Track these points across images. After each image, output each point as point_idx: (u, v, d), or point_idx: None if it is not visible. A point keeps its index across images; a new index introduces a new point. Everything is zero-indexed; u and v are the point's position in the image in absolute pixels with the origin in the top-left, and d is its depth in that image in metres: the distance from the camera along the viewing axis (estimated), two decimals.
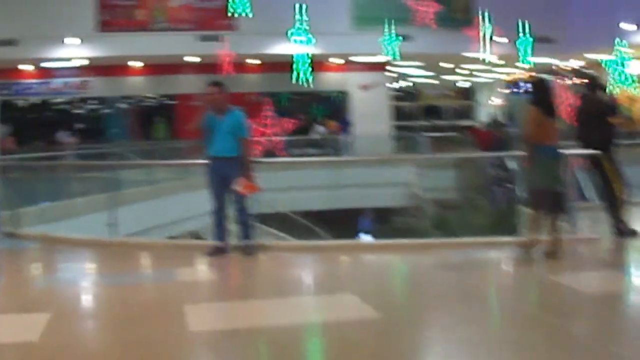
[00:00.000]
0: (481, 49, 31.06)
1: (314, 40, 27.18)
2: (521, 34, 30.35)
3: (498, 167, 25.27)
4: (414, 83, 45.22)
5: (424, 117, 47.52)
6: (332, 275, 9.55)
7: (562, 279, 8.30)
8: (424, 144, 31.14)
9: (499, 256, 10.31)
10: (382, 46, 29.38)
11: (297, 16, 26.95)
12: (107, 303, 7.99)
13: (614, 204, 10.71)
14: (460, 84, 47.73)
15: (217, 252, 10.34)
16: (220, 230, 10.47)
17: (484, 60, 33.76)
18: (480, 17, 29.50)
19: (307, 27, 26.85)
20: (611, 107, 11.25)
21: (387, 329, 6.43)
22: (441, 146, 32.82)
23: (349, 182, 29.56)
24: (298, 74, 27.09)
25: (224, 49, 28.71)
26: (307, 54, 27.08)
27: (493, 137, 28.60)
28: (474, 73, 41.38)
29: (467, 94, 49.69)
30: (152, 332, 6.49)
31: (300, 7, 26.56)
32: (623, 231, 10.56)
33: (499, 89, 45.23)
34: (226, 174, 10.14)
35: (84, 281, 9.39)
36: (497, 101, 44.90)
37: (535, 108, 9.38)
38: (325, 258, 10.63)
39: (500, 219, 20.20)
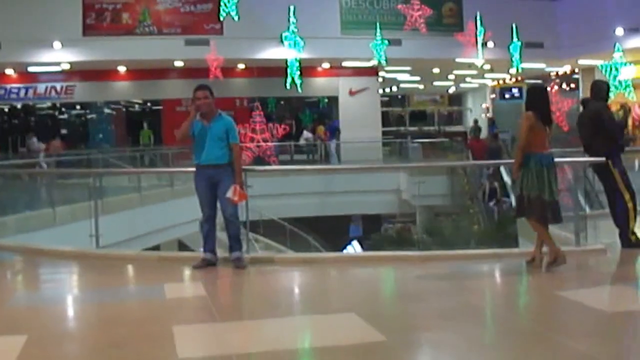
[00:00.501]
0: (473, 54, 30.51)
1: (302, 44, 26.44)
2: (514, 39, 29.53)
3: (492, 178, 24.87)
4: (402, 89, 44.82)
5: (411, 122, 47.24)
6: (329, 291, 9.00)
7: (570, 294, 7.72)
8: (415, 150, 30.64)
9: (501, 269, 9.79)
10: (372, 51, 28.75)
11: (292, 19, 26.18)
12: (90, 324, 7.37)
13: (622, 213, 10.21)
14: (451, 90, 47.35)
15: (206, 264, 9.83)
16: (209, 241, 9.97)
17: (472, 65, 33.40)
18: (474, 21, 28.72)
19: (296, 31, 26.15)
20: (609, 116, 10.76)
21: (396, 355, 5.86)
22: (431, 152, 32.43)
23: (339, 188, 29.19)
24: (292, 78, 26.45)
25: (212, 54, 28.02)
26: (296, 58, 26.40)
27: (487, 147, 28.17)
28: (463, 79, 41.02)
29: (455, 99, 49.34)
30: (137, 358, 5.89)
31: (294, 9, 25.85)
32: (633, 241, 10.06)
33: (488, 95, 44.85)
34: (216, 181, 9.65)
35: (64, 298, 8.75)
36: (484, 107, 44.50)
37: (531, 114, 9.06)
38: (321, 272, 10.05)
39: (497, 230, 19.78)
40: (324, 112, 37.01)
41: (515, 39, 29.91)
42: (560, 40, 32.55)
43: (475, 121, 37.37)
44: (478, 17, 28.97)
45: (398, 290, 9.13)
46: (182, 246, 26.22)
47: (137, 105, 35.40)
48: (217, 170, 9.65)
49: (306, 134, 32.48)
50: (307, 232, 28.24)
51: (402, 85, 43.56)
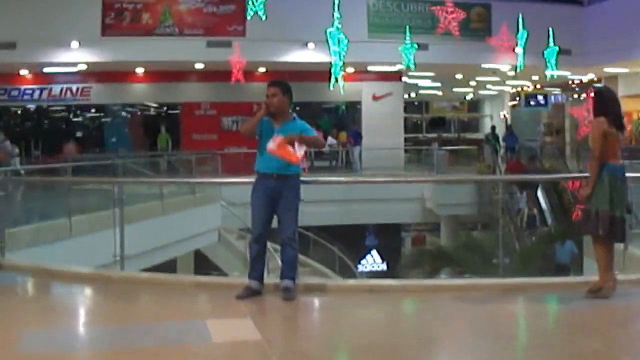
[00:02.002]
0: (502, 60, 28.74)
1: (347, 42, 24.60)
2: (550, 44, 27.65)
3: (531, 204, 22.77)
4: (420, 95, 42.95)
5: (430, 129, 45.41)
6: (412, 332, 7.09)
7: None
8: (439, 158, 28.75)
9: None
10: (400, 55, 26.89)
11: (336, 14, 24.35)
12: None
13: None
14: (469, 96, 45.55)
15: (251, 293, 8.01)
16: (257, 266, 8.17)
17: (497, 71, 31.70)
18: (506, 26, 26.93)
19: (337, 30, 24.27)
20: None
21: None
22: (456, 160, 30.67)
23: (361, 196, 27.34)
24: (336, 79, 24.66)
25: (236, 55, 26.20)
26: (340, 58, 24.53)
27: (525, 170, 26.11)
28: (485, 85, 39.18)
29: (472, 106, 47.53)
30: None
31: (338, 3, 24.02)
32: None
33: (506, 102, 43.02)
34: (277, 195, 7.93)
35: (85, 340, 6.85)
36: (503, 114, 42.64)
37: (603, 119, 7.70)
38: (394, 304, 8.20)
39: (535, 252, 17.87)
40: (342, 118, 35.09)
41: (551, 44, 27.88)
42: (588, 47, 30.58)
43: (493, 128, 35.43)
44: (520, 21, 26.94)
45: (492, 325, 7.17)
46: (200, 258, 24.45)
47: (154, 108, 33.41)
48: (281, 182, 7.95)
49: (330, 140, 30.64)
50: (327, 241, 26.36)
51: (421, 92, 41.63)
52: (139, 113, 33.41)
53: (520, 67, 28.13)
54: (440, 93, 42.78)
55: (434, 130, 45.37)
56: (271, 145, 7.71)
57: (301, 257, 24.40)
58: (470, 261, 16.34)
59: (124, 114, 33.19)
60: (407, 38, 27.09)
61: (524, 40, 27.35)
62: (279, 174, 7.88)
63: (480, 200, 25.90)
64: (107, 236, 15.62)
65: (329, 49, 25.07)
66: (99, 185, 16.23)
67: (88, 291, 9.09)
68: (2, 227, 10.62)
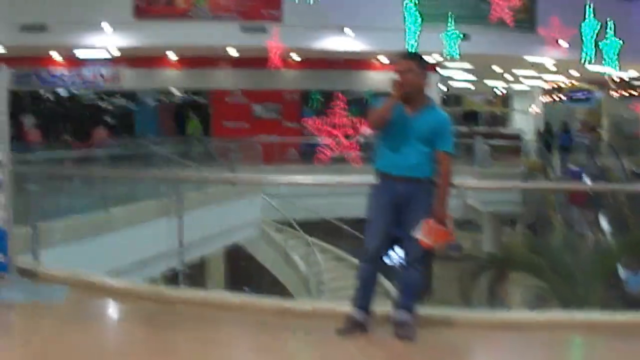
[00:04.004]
0: (549, 52, 26.75)
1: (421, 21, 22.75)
2: (610, 37, 25.51)
3: (596, 228, 19.94)
4: (452, 87, 40.82)
5: (463, 122, 43.31)
6: None
7: None
8: (483, 152, 26.68)
9: None
10: (441, 44, 24.88)
11: None
12: None
13: None
14: (500, 91, 43.45)
15: (356, 327, 6.07)
16: (367, 292, 6.18)
17: (536, 64, 29.72)
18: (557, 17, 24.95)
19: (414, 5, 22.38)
20: None
21: None
22: (500, 155, 28.65)
23: None
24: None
25: (273, 41, 24.29)
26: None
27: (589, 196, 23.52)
28: (519, 79, 37.08)
29: (506, 100, 45.44)
30: None
31: None
32: None
33: (539, 97, 40.95)
34: (405, 203, 6.00)
35: None
36: (535, 109, 40.58)
37: None
38: (550, 350, 6.11)
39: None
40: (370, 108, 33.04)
41: (612, 37, 25.73)
42: (632, 43, 28.46)
43: (547, 124, 33.34)
44: (589, 11, 24.73)
45: None
46: (235, 252, 22.61)
47: (185, 95, 31.49)
48: (411, 186, 5.98)
49: (365, 130, 28.51)
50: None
51: (453, 84, 39.46)
52: (169, 99, 31.43)
53: (589, 58, 25.76)
54: (472, 86, 40.65)
55: (466, 124, 43.32)
56: (423, 237, 5.89)
57: (330, 247, 22.81)
58: (547, 272, 14.03)
59: (154, 99, 31.20)
60: (451, 26, 24.95)
61: (593, 31, 24.96)
62: (409, 177, 5.96)
63: (527, 199, 23.73)
64: (148, 229, 13.97)
65: (406, 27, 22.96)
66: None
67: (138, 314, 7.07)
68: (36, 226, 8.65)
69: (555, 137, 31.57)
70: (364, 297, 6.10)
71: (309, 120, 23.76)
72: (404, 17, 23.39)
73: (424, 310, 6.41)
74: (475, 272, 14.68)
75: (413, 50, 22.01)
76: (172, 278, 22.57)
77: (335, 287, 20.35)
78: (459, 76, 35.49)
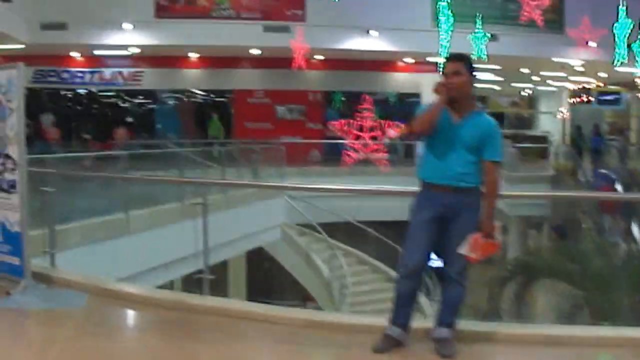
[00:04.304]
0: (577, 53, 26.27)
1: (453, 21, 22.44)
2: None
3: (629, 238, 18.86)
4: (478, 88, 40.34)
5: None
6: None
7: None
8: (511, 155, 26.21)
9: None
10: (470, 45, 24.45)
11: None
12: None
13: None
14: (525, 92, 42.89)
15: (393, 345, 5.67)
16: (405, 309, 5.74)
17: (566, 65, 29.22)
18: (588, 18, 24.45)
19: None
20: None
21: None
22: (526, 158, 28.17)
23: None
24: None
25: (298, 40, 23.98)
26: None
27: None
28: (546, 80, 36.55)
29: (529, 102, 44.86)
30: None
31: None
32: None
33: (565, 99, 40.35)
34: (450, 215, 5.59)
35: None
36: (563, 111, 39.99)
37: None
38: None
39: None
40: (395, 110, 32.52)
41: None
42: None
43: (579, 127, 32.74)
44: (622, 10, 24.22)
45: None
46: (257, 255, 22.25)
47: (206, 95, 31.17)
48: (457, 197, 5.57)
49: (392, 132, 28.12)
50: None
51: (478, 86, 38.97)
52: (190, 99, 31.13)
53: (622, 59, 25.19)
54: (498, 87, 40.09)
55: None
56: (469, 252, 5.51)
57: (363, 255, 22.43)
58: (580, 279, 13.48)
59: (175, 99, 30.93)
60: (479, 27, 24.53)
61: (626, 31, 24.43)
62: (455, 187, 5.56)
63: (556, 201, 23.18)
64: (168, 233, 13.66)
65: (439, 27, 22.62)
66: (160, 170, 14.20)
67: (161, 326, 6.71)
68: (53, 229, 8.33)
69: (586, 139, 30.96)
70: (402, 314, 5.70)
71: (335, 122, 23.47)
72: (437, 18, 23.00)
73: (463, 324, 6.01)
74: (505, 278, 14.22)
75: (447, 51, 21.85)
76: (194, 284, 22.37)
77: (359, 291, 20.02)
78: (485, 77, 34.98)
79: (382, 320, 5.86)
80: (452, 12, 22.79)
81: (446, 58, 5.78)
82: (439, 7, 22.63)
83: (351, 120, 22.08)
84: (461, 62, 5.65)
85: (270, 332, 6.32)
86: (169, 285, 17.55)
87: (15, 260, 7.51)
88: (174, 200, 14.35)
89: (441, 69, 5.76)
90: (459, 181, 5.52)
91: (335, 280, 19.95)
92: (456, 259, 5.60)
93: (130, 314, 7.19)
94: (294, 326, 6.41)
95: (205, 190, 7.86)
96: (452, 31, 22.95)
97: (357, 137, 21.70)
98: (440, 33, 22.91)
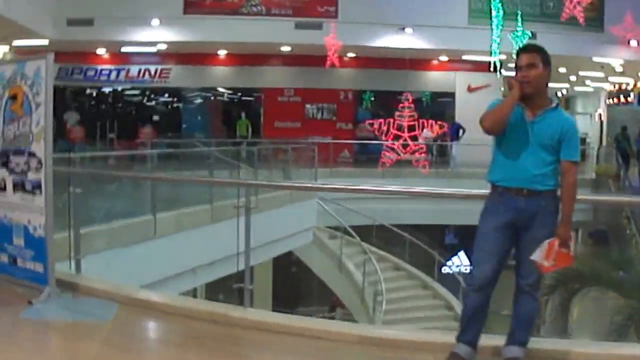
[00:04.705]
0: (620, 53, 25.61)
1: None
2: None
3: None
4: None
5: None
6: None
7: None
8: None
9: None
10: (512, 42, 23.86)
11: None
12: None
13: None
14: (560, 93, 42.21)
15: None
16: (474, 324, 5.25)
17: (607, 65, 28.55)
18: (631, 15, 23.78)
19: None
20: None
21: None
22: None
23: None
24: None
25: (331, 37, 23.54)
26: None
27: None
28: (584, 81, 35.87)
29: (567, 103, 44.16)
30: None
31: None
32: None
33: (603, 100, 39.61)
34: (523, 222, 5.09)
35: None
36: (600, 112, 39.28)
37: None
38: None
39: None
40: (428, 109, 31.94)
41: None
42: None
43: (624, 128, 31.85)
44: None
45: None
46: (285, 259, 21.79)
47: (235, 93, 30.78)
48: (532, 201, 5.06)
49: (426, 132, 27.54)
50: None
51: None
52: (218, 97, 30.75)
53: None
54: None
55: None
56: (542, 260, 5.00)
57: (397, 260, 21.91)
58: (633, 289, 12.83)
59: (202, 98, 30.56)
60: (519, 25, 23.95)
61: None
62: (530, 190, 5.05)
63: (599, 206, 22.48)
64: (196, 236, 13.20)
65: (491, 19, 22.07)
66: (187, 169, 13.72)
67: (197, 342, 6.16)
68: (78, 233, 7.89)
69: (633, 142, 30.00)
70: (470, 330, 5.21)
71: (372, 121, 23.00)
72: (490, 13, 22.45)
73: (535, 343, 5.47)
74: (550, 287, 13.61)
75: (498, 48, 21.32)
76: (219, 291, 21.89)
77: (394, 298, 19.52)
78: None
79: (446, 337, 5.36)
80: (502, 5, 22.16)
81: (519, 49, 5.25)
82: (491, 2, 21.96)
83: (390, 120, 21.55)
84: (537, 53, 5.14)
85: (319, 350, 5.80)
86: (192, 292, 17.18)
87: (38, 267, 7.05)
88: (203, 202, 13.87)
89: (514, 60, 5.26)
90: (534, 183, 5.02)
91: (369, 287, 19.45)
92: (530, 269, 5.11)
93: (163, 326, 6.68)
94: (344, 342, 5.87)
95: (248, 192, 7.22)
96: (502, 27, 22.33)
97: (396, 137, 21.16)
98: (492, 29, 22.24)
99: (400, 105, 22.01)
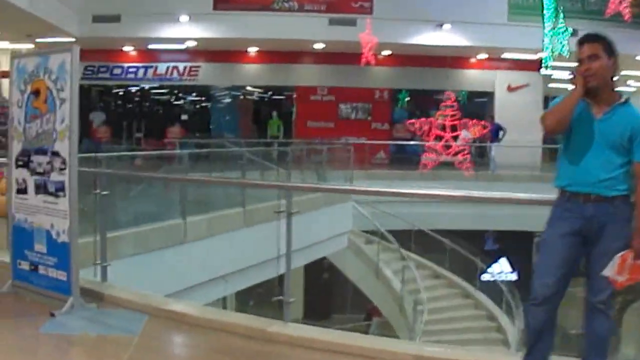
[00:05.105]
0: None
1: None
2: None
3: None
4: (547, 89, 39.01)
5: None
6: None
7: None
8: None
9: None
10: (545, 40, 23.34)
11: None
12: None
13: None
14: None
15: None
16: (542, 343, 4.78)
17: None
18: None
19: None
20: None
21: None
22: None
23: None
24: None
25: (367, 33, 23.09)
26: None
27: None
28: (626, 81, 35.10)
29: None
30: None
31: None
32: None
33: None
34: (593, 231, 4.64)
35: None
36: None
37: None
38: None
39: None
40: (465, 109, 31.39)
41: None
42: None
43: None
44: None
45: None
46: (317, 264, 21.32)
47: (266, 92, 30.39)
48: (602, 208, 4.61)
49: (465, 133, 26.98)
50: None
51: (550, 85, 37.63)
52: (248, 96, 30.39)
53: None
54: (571, 87, 38.74)
55: None
56: (614, 275, 4.53)
57: (437, 267, 21.38)
58: None
59: (232, 96, 30.18)
60: (561, 21, 23.37)
61: None
62: (600, 196, 4.59)
63: None
64: (228, 241, 12.80)
65: (543, 17, 21.58)
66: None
67: None
68: (104, 238, 7.49)
69: None
70: (538, 351, 4.75)
71: (413, 121, 22.57)
72: (542, 9, 21.93)
73: None
74: (627, 302, 13.00)
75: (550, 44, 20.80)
76: (249, 299, 21.44)
77: (435, 308, 19.03)
78: (559, 75, 33.72)
79: (510, 358, 4.89)
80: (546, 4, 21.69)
81: (580, 40, 4.81)
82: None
83: (432, 119, 21.12)
84: (599, 42, 4.71)
85: None
86: (221, 301, 16.79)
87: (61, 275, 6.64)
88: (235, 205, 13.47)
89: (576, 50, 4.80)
90: (602, 188, 4.57)
91: (408, 295, 18.95)
92: (602, 285, 4.63)
93: (195, 341, 6.21)
94: None
95: (289, 196, 6.77)
96: (555, 20, 21.84)
97: (438, 138, 20.69)
98: (543, 23, 21.74)
99: (442, 104, 21.53)
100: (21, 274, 7.06)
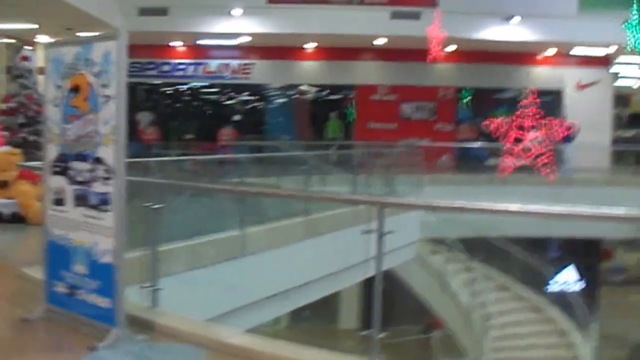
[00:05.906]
0: None
1: None
2: None
3: None
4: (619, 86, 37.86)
5: (629, 126, 40.22)
6: None
7: None
8: None
9: None
10: (622, 34, 22.29)
11: None
12: None
13: None
14: None
15: None
16: None
17: None
18: None
19: None
20: None
21: None
22: None
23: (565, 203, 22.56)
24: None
25: (434, 26, 22.27)
26: None
27: None
28: None
29: None
30: None
31: None
32: None
33: None
34: None
35: None
36: None
37: None
38: None
39: None
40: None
41: None
42: None
43: None
44: None
45: None
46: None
47: (324, 91, 29.61)
48: None
49: (533, 134, 26.05)
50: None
51: (621, 84, 36.49)
52: (304, 95, 29.67)
53: None
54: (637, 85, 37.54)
55: (633, 127, 40.18)
56: None
57: (504, 278, 20.49)
58: None
59: (288, 95, 29.46)
60: (635, 13, 22.30)
61: None
62: None
63: None
64: (292, 253, 12.05)
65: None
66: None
67: None
68: (156, 256, 6.69)
69: None
70: None
71: (492, 120, 21.69)
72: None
73: None
74: None
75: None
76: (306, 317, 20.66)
77: (505, 322, 18.18)
78: (629, 72, 32.57)
79: None
80: None
81: None
82: None
83: (513, 119, 20.25)
84: None
85: None
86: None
87: (104, 302, 5.86)
88: (297, 214, 12.72)
89: None
90: None
91: (476, 309, 18.07)
92: None
93: None
94: None
95: (381, 214, 5.86)
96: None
97: (517, 140, 19.79)
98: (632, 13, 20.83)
99: (522, 102, 20.65)
100: (56, 298, 6.32)
